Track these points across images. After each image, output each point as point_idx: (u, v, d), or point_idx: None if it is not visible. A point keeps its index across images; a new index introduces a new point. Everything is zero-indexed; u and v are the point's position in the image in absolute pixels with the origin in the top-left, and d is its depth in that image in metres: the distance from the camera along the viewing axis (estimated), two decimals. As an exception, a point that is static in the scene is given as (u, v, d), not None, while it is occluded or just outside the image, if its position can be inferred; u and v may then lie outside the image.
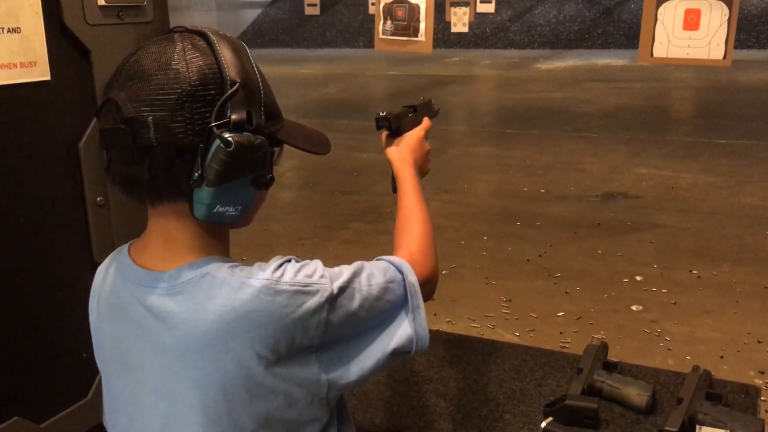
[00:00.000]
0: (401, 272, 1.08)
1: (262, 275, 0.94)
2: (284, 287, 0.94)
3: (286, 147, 1.08)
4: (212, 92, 0.93)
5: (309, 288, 0.95)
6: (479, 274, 4.11)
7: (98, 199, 1.60)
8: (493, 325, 3.46)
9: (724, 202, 5.30)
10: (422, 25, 5.09)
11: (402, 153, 1.34)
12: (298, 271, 0.96)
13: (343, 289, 0.98)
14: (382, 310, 1.03)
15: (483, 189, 6.00)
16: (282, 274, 0.95)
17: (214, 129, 0.91)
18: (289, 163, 6.81)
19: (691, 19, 3.57)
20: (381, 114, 1.37)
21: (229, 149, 0.91)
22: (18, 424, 1.48)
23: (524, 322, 3.49)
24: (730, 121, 8.17)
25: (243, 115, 0.93)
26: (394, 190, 1.33)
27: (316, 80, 13.17)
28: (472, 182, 6.18)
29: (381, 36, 5.23)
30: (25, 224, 1.47)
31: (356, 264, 1.03)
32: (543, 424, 1.38)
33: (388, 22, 5.18)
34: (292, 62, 15.63)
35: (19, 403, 1.49)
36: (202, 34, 0.99)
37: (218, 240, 1.04)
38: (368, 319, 1.01)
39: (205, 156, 0.92)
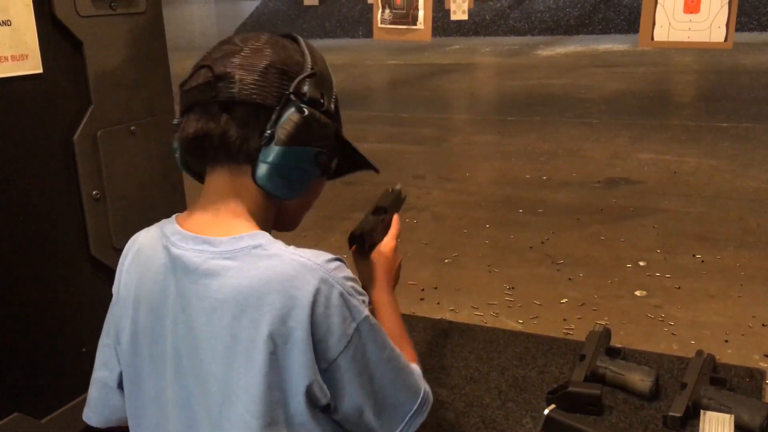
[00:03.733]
0: (421, 378, 1.10)
1: (315, 259, 0.97)
2: (331, 280, 0.96)
3: None
4: (294, 69, 1.03)
5: (351, 299, 0.97)
6: (482, 262, 4.09)
7: (94, 192, 1.59)
8: (496, 313, 3.46)
9: (727, 185, 5.28)
10: (421, 13, 5.04)
11: (379, 277, 1.28)
12: (351, 279, 0.99)
13: (374, 327, 0.99)
14: (392, 389, 1.02)
15: (485, 177, 5.98)
16: (334, 269, 0.98)
17: (291, 96, 1.00)
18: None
19: (692, 2, 3.53)
20: (356, 233, 1.29)
21: (301, 115, 1.00)
22: (18, 420, 1.47)
23: (527, 309, 3.49)
24: (732, 105, 8.12)
25: (317, 94, 1.03)
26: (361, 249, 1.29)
27: (316, 71, 13.10)
28: (474, 170, 6.16)
29: (379, 25, 5.20)
30: (21, 219, 1.46)
31: None
32: (546, 411, 1.37)
33: (387, 11, 5.14)
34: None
35: (19, 399, 1.48)
36: (291, 35, 1.11)
37: (265, 222, 1.06)
38: (379, 380, 1.00)
39: (279, 118, 1.00)
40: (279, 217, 1.11)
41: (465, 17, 6.15)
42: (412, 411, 1.05)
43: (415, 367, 1.10)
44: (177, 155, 1.10)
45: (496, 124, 7.96)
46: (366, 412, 1.00)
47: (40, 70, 1.47)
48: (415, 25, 5.07)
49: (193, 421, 1.02)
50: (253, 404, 0.95)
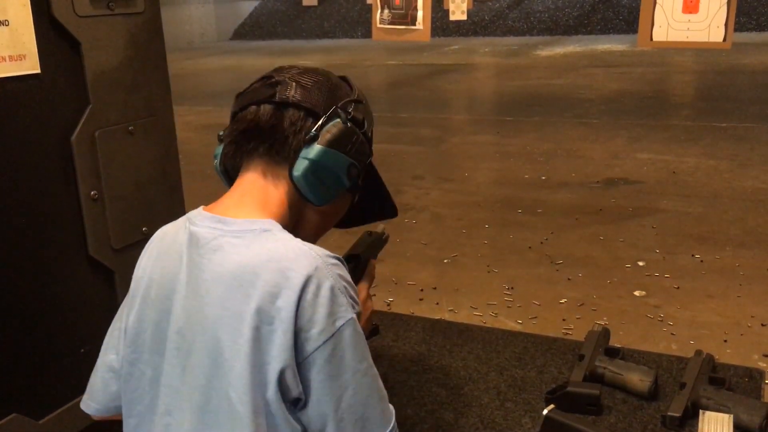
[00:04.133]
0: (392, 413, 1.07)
1: (316, 250, 1.01)
2: (326, 271, 0.98)
3: None
4: (343, 93, 1.16)
5: (341, 296, 0.98)
6: (481, 263, 4.09)
7: (92, 192, 1.59)
8: (495, 313, 3.45)
9: (726, 185, 5.28)
10: (420, 14, 5.04)
11: None
12: (347, 280, 1.01)
13: (358, 334, 0.99)
14: (362, 408, 0.99)
15: (484, 177, 5.97)
16: (333, 264, 1.00)
17: (339, 109, 1.12)
18: (288, 154, 6.78)
19: (691, 2, 3.53)
20: None
21: (344, 125, 1.11)
22: (16, 421, 1.47)
23: (527, 309, 3.48)
24: (731, 105, 8.12)
25: (360, 117, 1.16)
26: None
27: (315, 71, 13.10)
28: (473, 170, 6.15)
29: (378, 25, 5.19)
30: (19, 219, 1.46)
31: None
32: (545, 412, 1.37)
33: (386, 11, 5.14)
34: (290, 54, 15.58)
35: (17, 400, 1.48)
36: (343, 77, 1.24)
37: (284, 222, 1.08)
38: (351, 394, 0.98)
39: (325, 124, 1.10)
40: (299, 224, 1.14)
41: (464, 17, 6.15)
42: None
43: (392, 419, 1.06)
44: (216, 161, 1.19)
45: (495, 124, 7.96)
46: (329, 426, 0.97)
47: (38, 71, 1.47)
48: (414, 25, 5.07)
49: (175, 402, 1.03)
50: (239, 385, 0.95)
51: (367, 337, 1.42)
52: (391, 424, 1.04)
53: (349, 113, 1.13)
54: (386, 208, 1.34)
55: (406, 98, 9.98)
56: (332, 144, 1.09)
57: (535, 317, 3.39)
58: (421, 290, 3.75)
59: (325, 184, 1.10)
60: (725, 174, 5.55)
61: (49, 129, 1.51)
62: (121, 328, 1.14)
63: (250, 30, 20.25)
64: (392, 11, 5.12)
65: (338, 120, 1.11)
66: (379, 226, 1.44)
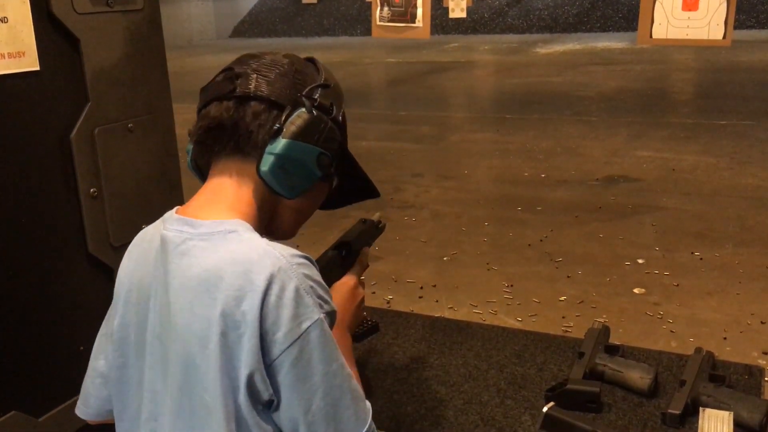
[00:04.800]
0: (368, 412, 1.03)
1: (281, 250, 0.97)
2: (290, 272, 0.95)
3: None
4: (308, 79, 1.10)
5: (307, 297, 0.95)
6: (481, 260, 4.09)
7: (92, 190, 1.59)
8: (495, 311, 3.45)
9: (725, 183, 5.28)
10: (419, 11, 5.03)
11: None
12: (315, 280, 0.98)
13: (325, 335, 0.96)
14: (333, 410, 0.97)
15: (483, 175, 5.97)
16: (298, 264, 0.97)
17: (303, 98, 1.07)
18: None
19: (690, -1, 3.53)
20: None
21: (309, 114, 1.06)
22: (16, 418, 1.46)
23: (526, 307, 3.48)
24: (731, 102, 8.12)
25: (327, 102, 1.09)
26: None
27: (314, 69, 13.09)
28: (473, 168, 6.15)
29: (378, 23, 5.19)
30: (18, 217, 1.45)
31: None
32: (545, 409, 1.36)
33: (385, 9, 5.13)
34: (290, 51, 15.53)
35: (16, 397, 1.48)
36: (310, 58, 1.17)
37: (256, 219, 1.07)
38: (321, 397, 0.96)
39: (289, 116, 1.05)
40: (275, 220, 1.11)
41: (463, 15, 6.15)
42: None
43: (366, 401, 1.04)
44: (189, 158, 1.15)
45: (495, 122, 7.96)
46: (300, 428, 0.96)
47: (37, 68, 1.46)
48: (414, 22, 5.06)
49: (158, 408, 1.03)
50: (212, 389, 0.94)
51: (366, 334, 1.40)
52: (367, 424, 1.01)
53: (315, 100, 1.07)
54: (367, 190, 1.29)
55: (405, 96, 9.98)
56: (298, 135, 1.04)
57: (535, 315, 3.40)
58: (421, 288, 3.75)
59: (295, 177, 1.06)
60: (725, 171, 5.55)
61: (48, 126, 1.50)
62: (107, 334, 1.14)
63: (250, 27, 20.23)
64: (392, 9, 5.12)
65: (303, 110, 1.06)
66: (375, 214, 1.42)
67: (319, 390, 0.95)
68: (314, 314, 0.95)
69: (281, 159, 1.03)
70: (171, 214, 1.08)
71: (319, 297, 0.97)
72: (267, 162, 1.03)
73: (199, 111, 1.10)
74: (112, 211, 1.63)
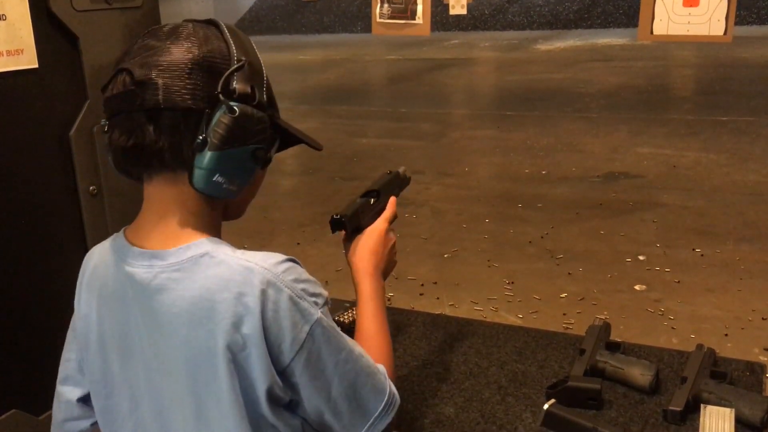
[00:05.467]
0: (386, 379, 1.06)
1: (262, 263, 0.94)
2: (279, 284, 0.93)
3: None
4: (220, 65, 0.96)
5: (301, 302, 0.95)
6: (481, 257, 4.09)
7: (91, 188, 1.58)
8: (496, 308, 3.45)
9: (726, 179, 5.27)
10: (420, 8, 5.02)
11: (362, 260, 1.23)
12: (303, 280, 0.97)
13: (327, 330, 0.97)
14: (352, 392, 1.00)
15: (484, 172, 5.97)
16: (283, 271, 0.95)
17: (221, 96, 0.94)
18: (288, 150, 6.77)
19: (691, -5, 3.52)
20: (335, 216, 1.23)
21: (232, 115, 0.94)
22: (16, 417, 1.47)
23: (527, 304, 3.48)
24: (732, 98, 8.11)
25: (247, 88, 0.97)
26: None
27: (314, 66, 13.11)
28: (473, 165, 6.15)
29: (378, 20, 5.18)
30: (17, 215, 1.45)
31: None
32: (546, 406, 1.36)
33: (385, 6, 5.11)
34: (290, 48, 15.55)
35: (16, 396, 1.48)
36: (212, 21, 1.03)
37: (213, 223, 1.03)
38: (337, 385, 0.99)
39: (210, 121, 0.94)
40: (226, 213, 1.07)
41: (464, 12, 6.13)
42: (377, 413, 1.03)
43: (381, 368, 1.07)
44: (110, 158, 1.02)
45: (495, 118, 7.95)
46: (326, 416, 0.99)
47: (36, 65, 1.46)
48: (414, 19, 5.05)
49: None
50: (226, 414, 0.95)
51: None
52: (387, 393, 1.04)
53: (234, 93, 0.95)
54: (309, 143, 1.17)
55: (406, 93, 9.97)
56: (225, 143, 0.94)
57: (536, 312, 3.39)
58: (422, 285, 3.75)
59: (233, 180, 0.97)
60: (726, 168, 5.55)
61: (47, 124, 1.50)
62: (73, 360, 1.13)
63: (250, 25, 20.21)
64: (392, 6, 5.11)
65: (224, 110, 0.93)
66: (400, 168, 1.42)
67: (334, 379, 0.98)
68: (312, 315, 0.95)
69: (213, 172, 0.95)
70: (125, 244, 1.02)
71: (312, 295, 0.97)
72: (199, 178, 0.95)
73: (108, 118, 0.98)
74: (111, 209, 1.63)
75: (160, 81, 0.93)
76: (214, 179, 0.95)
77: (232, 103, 0.94)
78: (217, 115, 0.94)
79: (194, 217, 1.00)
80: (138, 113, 0.94)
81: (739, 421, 1.33)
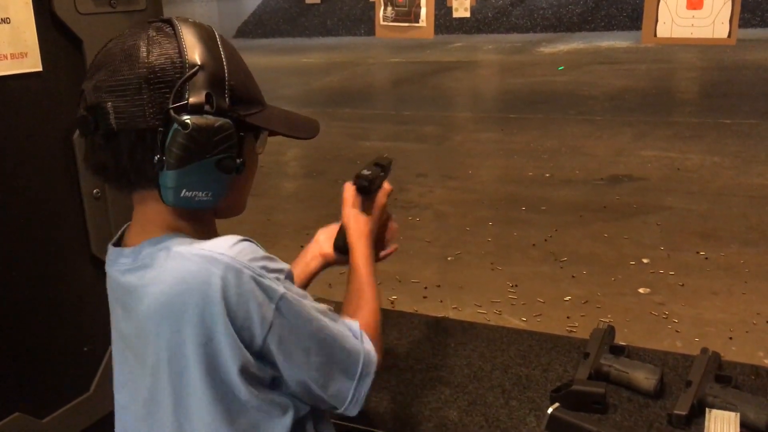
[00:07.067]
0: (361, 339, 1.09)
1: (217, 248, 0.94)
2: (238, 266, 0.93)
3: (281, 139, 1.08)
4: (171, 76, 0.92)
5: (263, 280, 0.94)
6: (485, 260, 4.08)
7: (94, 191, 1.58)
8: (499, 311, 3.45)
9: (731, 182, 5.26)
10: (423, 11, 5.03)
11: (360, 224, 1.30)
12: (261, 258, 0.96)
13: (294, 302, 0.97)
14: (329, 359, 1.02)
15: (487, 175, 5.97)
16: (240, 252, 0.94)
17: (171, 112, 0.91)
18: (292, 152, 6.79)
19: (695, -2, 3.52)
20: (364, 173, 1.31)
21: (185, 131, 0.90)
22: (19, 420, 1.46)
23: (531, 307, 3.48)
24: (736, 101, 8.10)
25: (202, 97, 0.92)
26: (339, 247, 1.34)
27: (318, 69, 13.12)
28: (477, 168, 6.14)
29: (382, 23, 5.19)
30: (21, 218, 1.45)
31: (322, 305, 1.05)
32: (550, 410, 1.36)
33: (389, 9, 5.13)
34: (293, 51, 15.57)
35: (20, 399, 1.47)
36: (169, 21, 0.99)
37: (196, 225, 1.03)
38: (315, 354, 1.00)
39: (165, 139, 0.91)
40: (219, 211, 1.07)
41: (467, 15, 6.13)
42: (357, 375, 1.05)
43: (354, 327, 1.08)
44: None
45: (499, 121, 7.94)
46: (312, 387, 1.01)
47: (40, 69, 1.46)
48: (418, 22, 5.06)
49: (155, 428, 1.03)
50: (202, 404, 0.96)
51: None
52: (362, 353, 1.06)
53: (186, 105, 0.91)
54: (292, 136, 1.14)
55: (409, 96, 9.98)
56: (182, 162, 0.91)
57: (540, 315, 3.39)
58: (425, 288, 3.75)
59: (206, 191, 0.95)
60: (730, 171, 5.53)
61: (51, 127, 1.50)
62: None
63: (254, 28, 20.24)
64: (395, 9, 5.11)
65: (177, 127, 0.89)
66: (384, 155, 1.46)
67: (310, 349, 0.99)
68: (276, 291, 0.95)
69: (178, 189, 0.93)
70: (110, 248, 1.07)
71: (272, 271, 0.96)
72: (167, 195, 0.94)
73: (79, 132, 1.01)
74: (115, 212, 1.63)
75: (109, 104, 0.92)
76: (182, 195, 0.94)
77: (185, 118, 0.90)
78: (171, 132, 0.90)
79: (171, 221, 1.01)
80: (97, 137, 0.95)
81: (745, 425, 1.33)
